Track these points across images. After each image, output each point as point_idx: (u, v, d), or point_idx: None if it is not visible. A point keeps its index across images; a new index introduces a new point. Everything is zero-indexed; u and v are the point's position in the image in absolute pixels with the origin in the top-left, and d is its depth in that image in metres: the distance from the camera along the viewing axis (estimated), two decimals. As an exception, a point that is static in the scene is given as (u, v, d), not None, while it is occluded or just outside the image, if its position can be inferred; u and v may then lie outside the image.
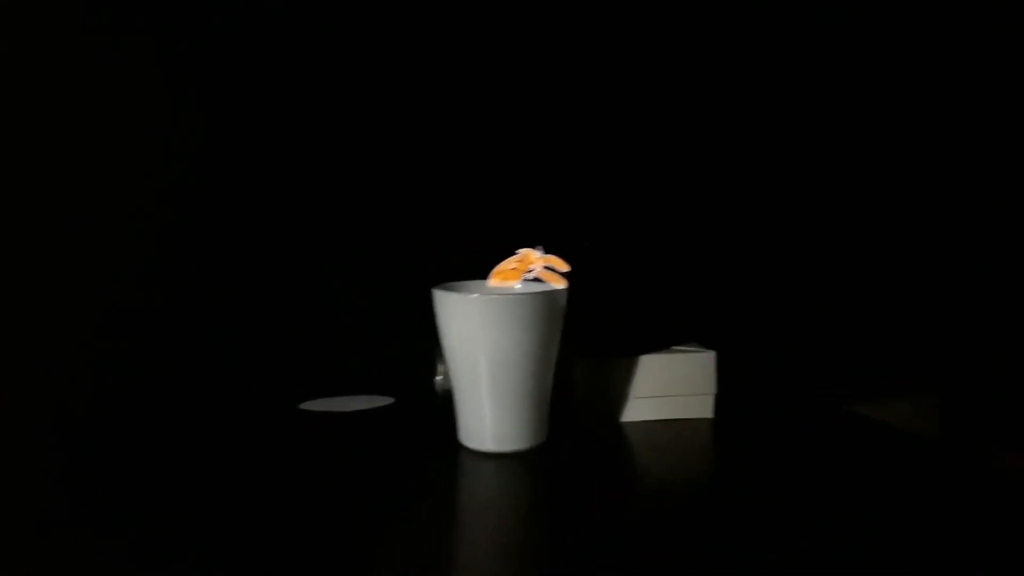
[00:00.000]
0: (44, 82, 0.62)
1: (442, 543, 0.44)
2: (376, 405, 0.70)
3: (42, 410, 0.63)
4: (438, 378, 0.69)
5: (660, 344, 0.67)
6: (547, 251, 0.59)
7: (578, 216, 0.77)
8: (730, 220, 0.82)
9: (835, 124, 0.82)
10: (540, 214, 0.77)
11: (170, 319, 0.69)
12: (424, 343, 0.64)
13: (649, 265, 0.79)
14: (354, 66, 0.72)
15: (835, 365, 0.82)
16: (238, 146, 0.70)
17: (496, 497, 0.52)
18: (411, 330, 0.61)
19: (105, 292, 0.66)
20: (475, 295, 0.55)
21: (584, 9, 0.75)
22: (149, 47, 0.66)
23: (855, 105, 0.82)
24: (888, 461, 0.58)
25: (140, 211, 0.67)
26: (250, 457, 0.57)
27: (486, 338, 0.54)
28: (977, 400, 0.86)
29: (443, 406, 0.60)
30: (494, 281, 0.60)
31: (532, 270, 0.59)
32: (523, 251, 0.60)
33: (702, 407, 0.66)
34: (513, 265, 0.60)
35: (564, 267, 0.59)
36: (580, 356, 0.66)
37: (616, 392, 0.65)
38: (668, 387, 0.65)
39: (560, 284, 0.58)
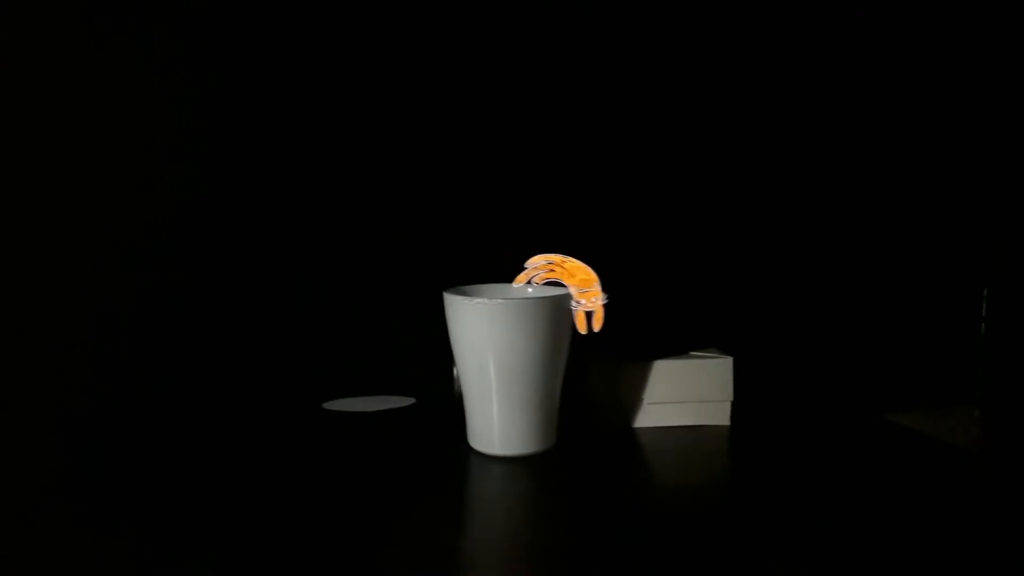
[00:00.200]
0: (35, 81, 0.63)
1: (441, 545, 0.45)
2: (396, 406, 0.72)
3: (66, 410, 0.65)
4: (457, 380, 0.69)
5: (677, 349, 0.67)
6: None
7: (600, 217, 0.77)
8: (755, 221, 0.80)
9: (862, 125, 0.80)
10: (564, 214, 0.77)
11: (193, 318, 0.71)
12: (447, 344, 0.64)
13: (669, 268, 0.78)
14: (378, 63, 0.73)
15: (867, 372, 0.80)
16: (252, 143, 0.71)
17: (501, 500, 0.52)
18: (436, 331, 0.62)
19: (132, 293, 0.68)
20: (484, 300, 0.55)
21: (615, 9, 0.75)
22: (145, 37, 0.67)
23: (883, 107, 0.80)
24: (914, 472, 0.56)
25: (152, 210, 0.69)
26: (267, 455, 0.59)
27: (495, 342, 0.55)
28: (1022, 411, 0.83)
29: (459, 408, 0.61)
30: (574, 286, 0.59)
31: (578, 304, 0.58)
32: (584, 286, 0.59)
33: (718, 414, 0.65)
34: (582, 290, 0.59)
35: (597, 323, 0.58)
36: (595, 359, 0.66)
37: (631, 397, 0.65)
38: (684, 393, 0.64)
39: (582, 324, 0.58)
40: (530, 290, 0.62)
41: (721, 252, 0.79)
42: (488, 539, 0.47)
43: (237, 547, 0.44)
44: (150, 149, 0.68)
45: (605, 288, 0.58)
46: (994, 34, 0.76)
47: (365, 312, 0.76)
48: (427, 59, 0.74)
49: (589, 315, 0.58)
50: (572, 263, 0.59)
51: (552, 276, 0.59)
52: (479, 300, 0.55)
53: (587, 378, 0.66)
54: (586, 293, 0.58)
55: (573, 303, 0.58)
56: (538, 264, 0.60)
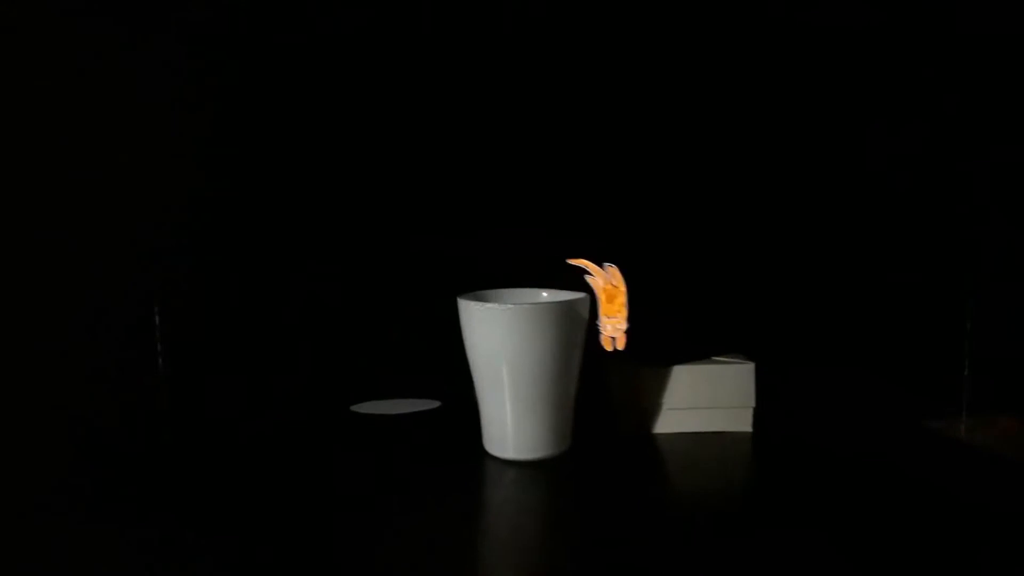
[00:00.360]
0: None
1: (450, 547, 0.45)
2: (421, 409, 0.73)
3: (95, 408, 0.67)
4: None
5: (700, 354, 0.66)
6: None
7: (625, 221, 0.77)
8: (783, 226, 0.79)
9: (889, 129, 0.78)
10: (588, 217, 0.77)
11: (223, 321, 0.73)
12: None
13: (693, 272, 0.77)
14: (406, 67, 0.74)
15: (911, 377, 0.77)
16: (277, 143, 0.73)
17: (515, 505, 0.53)
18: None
19: (160, 295, 0.70)
20: (495, 304, 0.56)
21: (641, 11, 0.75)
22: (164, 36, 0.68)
23: (906, 113, 0.77)
24: (944, 480, 0.54)
25: (177, 210, 0.70)
26: (288, 456, 0.61)
27: (506, 346, 0.55)
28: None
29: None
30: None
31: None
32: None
33: (740, 420, 0.64)
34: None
35: (620, 345, 0.61)
36: (615, 364, 0.66)
37: (651, 402, 0.64)
38: (705, 398, 0.64)
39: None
40: (545, 295, 0.62)
41: (747, 256, 0.78)
42: (498, 542, 0.48)
43: (254, 543, 0.46)
44: (168, 149, 0.69)
45: (632, 294, 0.60)
46: (988, 35, 0.73)
47: (398, 315, 0.77)
48: (457, 65, 0.75)
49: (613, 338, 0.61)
50: (622, 294, 0.60)
51: (595, 287, 0.60)
52: (490, 305, 0.56)
53: (607, 383, 0.66)
54: (612, 320, 0.61)
55: (598, 323, 0.60)
56: (597, 271, 0.61)
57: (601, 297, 0.61)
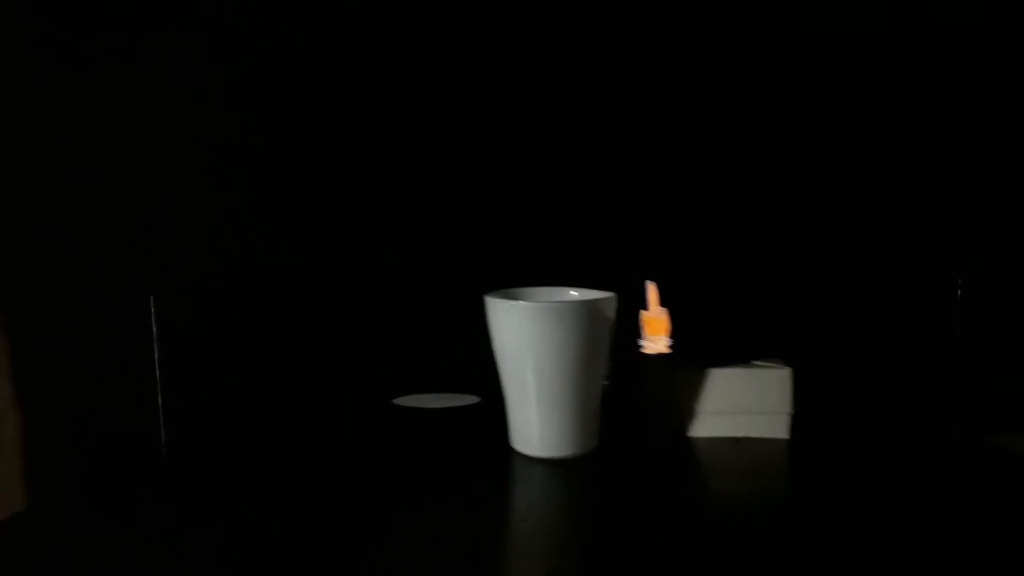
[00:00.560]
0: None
1: (465, 539, 0.46)
2: (460, 404, 0.74)
3: (133, 406, 0.66)
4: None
5: (738, 358, 0.64)
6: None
7: (662, 222, 0.76)
8: (827, 231, 0.76)
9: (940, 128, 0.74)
10: (630, 221, 0.76)
11: (275, 314, 0.76)
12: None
13: (732, 275, 0.75)
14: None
15: (971, 389, 0.73)
16: (328, 138, 0.75)
17: (536, 501, 0.53)
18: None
19: (205, 286, 0.72)
20: (520, 302, 0.56)
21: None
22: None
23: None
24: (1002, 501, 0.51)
25: (224, 204, 0.72)
26: (321, 447, 0.63)
27: (531, 345, 0.56)
28: None
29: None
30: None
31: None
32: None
33: (775, 427, 0.62)
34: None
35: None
36: (650, 366, 0.65)
37: (684, 405, 0.63)
38: (740, 403, 0.62)
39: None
40: (574, 294, 0.62)
41: (790, 260, 0.76)
42: (516, 538, 0.48)
43: (273, 530, 0.48)
44: (212, 147, 0.70)
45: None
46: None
47: (443, 309, 0.78)
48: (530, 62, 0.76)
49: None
50: (664, 324, 0.65)
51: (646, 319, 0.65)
52: (513, 302, 0.56)
53: (640, 385, 0.65)
54: (655, 340, 0.64)
55: (640, 342, 0.64)
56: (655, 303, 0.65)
57: (645, 325, 0.64)
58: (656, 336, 0.65)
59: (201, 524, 0.49)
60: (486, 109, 0.76)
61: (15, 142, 0.56)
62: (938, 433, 0.65)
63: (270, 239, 0.75)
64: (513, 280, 0.64)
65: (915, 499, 0.52)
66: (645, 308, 0.65)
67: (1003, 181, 0.72)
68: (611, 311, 0.58)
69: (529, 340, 0.56)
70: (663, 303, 0.65)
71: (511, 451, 0.60)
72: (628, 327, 0.66)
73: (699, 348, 0.65)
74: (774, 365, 0.63)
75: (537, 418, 0.57)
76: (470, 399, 0.75)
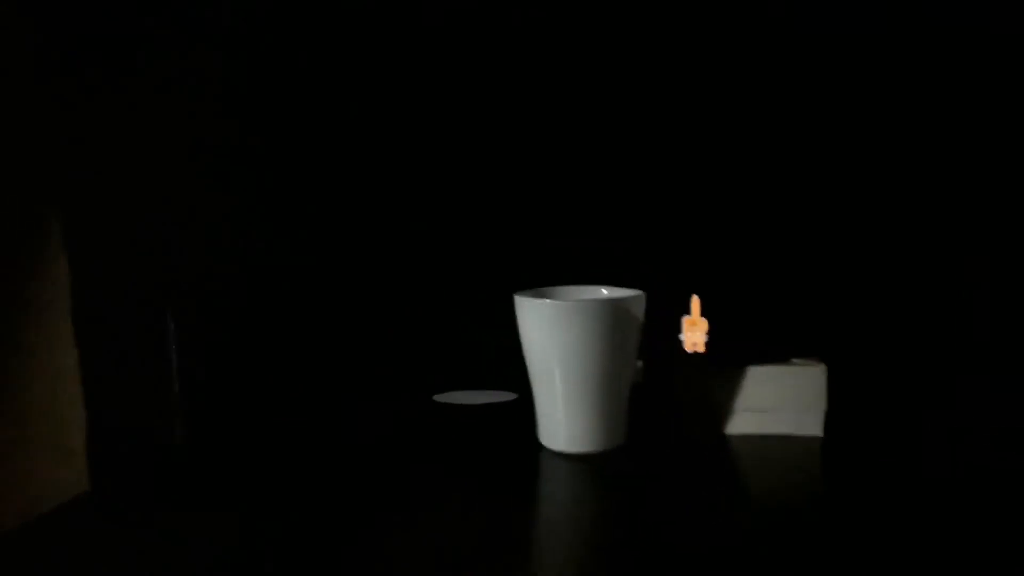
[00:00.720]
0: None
1: (489, 536, 0.47)
2: (499, 400, 0.75)
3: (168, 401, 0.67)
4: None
5: (775, 356, 0.64)
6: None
7: (700, 221, 0.76)
8: (863, 227, 0.74)
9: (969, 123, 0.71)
10: (664, 219, 0.76)
11: (317, 311, 0.79)
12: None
13: (770, 274, 0.74)
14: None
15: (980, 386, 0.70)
16: (359, 136, 0.77)
17: (561, 495, 0.54)
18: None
19: (244, 280, 0.75)
20: (546, 300, 0.57)
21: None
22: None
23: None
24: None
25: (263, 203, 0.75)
26: (360, 445, 0.66)
27: (557, 342, 0.57)
28: None
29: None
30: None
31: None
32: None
33: (810, 424, 0.61)
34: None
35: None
36: (684, 363, 0.65)
37: (719, 402, 0.63)
38: (774, 400, 0.62)
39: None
40: (604, 292, 0.62)
41: (825, 257, 0.74)
42: (538, 530, 0.49)
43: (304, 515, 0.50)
44: (216, 147, 0.71)
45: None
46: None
47: (482, 308, 0.79)
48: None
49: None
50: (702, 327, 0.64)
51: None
52: (541, 301, 0.57)
53: (674, 382, 0.65)
54: (693, 339, 0.64)
55: (680, 336, 0.64)
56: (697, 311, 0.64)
57: (686, 327, 0.64)
58: (695, 336, 0.65)
59: (219, 522, 0.50)
60: (510, 109, 0.77)
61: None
62: (960, 429, 0.62)
63: (313, 241, 0.78)
64: (554, 279, 0.65)
65: (943, 499, 0.50)
66: (687, 312, 0.65)
67: (1004, 180, 0.70)
68: (639, 310, 0.58)
69: (554, 338, 0.56)
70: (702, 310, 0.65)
71: (540, 447, 0.61)
72: (664, 326, 0.66)
73: (735, 347, 0.65)
74: (809, 363, 0.62)
75: (564, 415, 0.58)
76: (508, 396, 0.77)
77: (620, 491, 0.54)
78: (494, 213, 0.79)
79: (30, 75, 0.57)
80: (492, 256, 0.79)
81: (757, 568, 0.42)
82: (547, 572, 0.43)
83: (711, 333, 0.65)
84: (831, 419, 0.61)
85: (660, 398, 0.65)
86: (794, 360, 0.63)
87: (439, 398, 0.77)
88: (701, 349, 0.65)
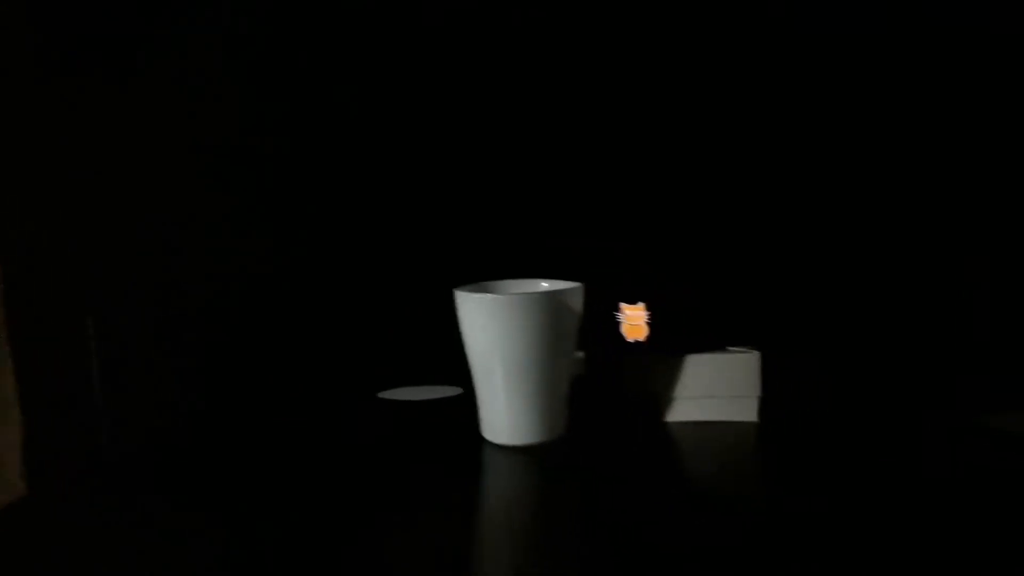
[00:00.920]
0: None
1: (437, 529, 0.48)
2: (444, 395, 0.76)
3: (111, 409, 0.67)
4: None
5: (713, 345, 0.65)
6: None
7: (632, 213, 0.77)
8: (791, 215, 0.76)
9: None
10: (604, 212, 0.77)
11: (257, 308, 0.78)
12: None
13: (704, 263, 0.76)
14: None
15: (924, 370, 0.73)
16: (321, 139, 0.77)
17: (504, 488, 0.55)
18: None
19: (193, 279, 0.72)
20: (485, 295, 0.58)
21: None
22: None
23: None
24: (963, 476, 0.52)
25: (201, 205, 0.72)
26: (307, 444, 0.65)
27: (497, 336, 0.57)
28: None
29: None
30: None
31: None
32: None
33: (745, 410, 0.63)
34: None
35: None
36: (622, 352, 0.66)
37: (658, 391, 0.64)
38: (710, 388, 0.63)
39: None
40: (545, 285, 0.63)
41: (756, 245, 0.76)
42: (485, 523, 0.50)
43: (251, 527, 0.50)
44: (183, 148, 0.71)
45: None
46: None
47: (426, 304, 0.79)
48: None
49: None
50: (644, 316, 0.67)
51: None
52: (480, 295, 0.58)
53: (614, 371, 0.66)
54: (633, 328, 0.66)
55: (619, 315, 0.66)
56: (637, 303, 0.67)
57: (625, 316, 0.66)
58: (635, 325, 0.66)
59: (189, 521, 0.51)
60: (475, 107, 0.78)
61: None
62: (906, 415, 0.65)
63: (258, 239, 0.76)
64: (494, 274, 0.65)
65: (877, 483, 0.52)
66: (625, 300, 0.66)
67: (1004, 178, 0.72)
68: (577, 302, 0.59)
69: (494, 331, 0.57)
70: (645, 298, 0.66)
71: (483, 441, 0.61)
72: (604, 317, 0.67)
73: (676, 336, 0.66)
74: (743, 350, 0.63)
75: (505, 408, 0.59)
76: (453, 391, 0.77)
77: (563, 482, 0.55)
78: (435, 208, 0.79)
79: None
80: (432, 251, 0.79)
81: (700, 553, 0.43)
82: (493, 566, 0.44)
83: (651, 323, 0.66)
84: (768, 406, 0.63)
85: (601, 388, 0.66)
86: (729, 348, 0.64)
87: (384, 395, 0.77)
88: (642, 339, 0.66)
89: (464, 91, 0.78)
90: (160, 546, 0.46)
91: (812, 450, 0.58)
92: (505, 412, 0.59)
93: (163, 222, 0.69)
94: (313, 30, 0.75)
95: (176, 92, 0.69)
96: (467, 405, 0.69)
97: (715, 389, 0.63)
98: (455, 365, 0.71)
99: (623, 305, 0.67)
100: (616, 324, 0.68)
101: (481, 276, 0.64)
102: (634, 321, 0.66)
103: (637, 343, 0.67)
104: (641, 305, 0.65)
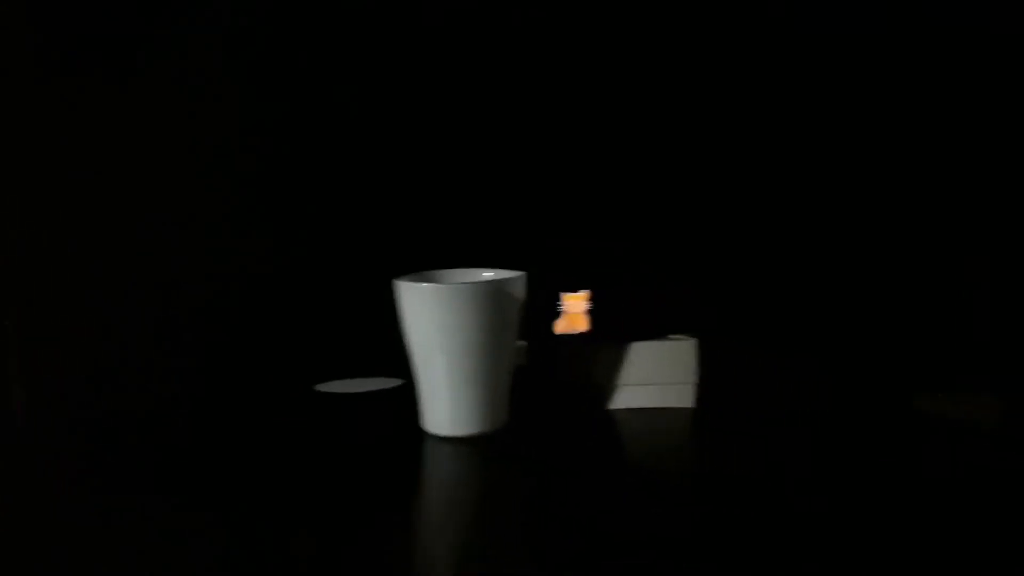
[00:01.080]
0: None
1: (384, 522, 0.47)
2: (383, 387, 0.75)
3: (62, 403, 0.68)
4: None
5: (652, 333, 0.66)
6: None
7: (576, 205, 0.77)
8: (728, 206, 0.78)
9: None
10: (547, 202, 0.77)
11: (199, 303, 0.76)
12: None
13: (646, 251, 0.77)
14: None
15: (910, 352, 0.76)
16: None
17: (448, 480, 0.54)
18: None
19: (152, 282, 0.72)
20: (425, 284, 0.57)
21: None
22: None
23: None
24: (899, 458, 0.54)
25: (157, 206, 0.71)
26: (244, 436, 0.63)
27: (439, 326, 0.56)
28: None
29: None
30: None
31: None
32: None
33: (682, 396, 0.64)
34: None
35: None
36: (564, 342, 0.66)
37: (597, 379, 0.65)
38: (648, 375, 0.64)
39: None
40: (488, 274, 0.63)
41: (698, 235, 0.78)
42: (429, 515, 0.49)
43: (207, 521, 0.48)
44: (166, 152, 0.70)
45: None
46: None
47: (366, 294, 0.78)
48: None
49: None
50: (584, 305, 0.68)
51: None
52: (420, 285, 0.57)
53: (554, 360, 0.66)
54: (574, 319, 0.67)
55: (559, 304, 0.67)
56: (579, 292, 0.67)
57: (565, 305, 0.67)
58: (575, 315, 0.66)
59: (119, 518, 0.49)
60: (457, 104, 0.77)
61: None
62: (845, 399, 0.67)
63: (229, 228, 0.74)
64: (434, 263, 0.64)
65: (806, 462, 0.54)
66: (566, 290, 0.67)
67: (1004, 178, 0.75)
68: (519, 291, 0.59)
69: (435, 321, 0.56)
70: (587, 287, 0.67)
71: (424, 433, 0.61)
72: (546, 306, 0.67)
73: (617, 325, 0.67)
74: (681, 337, 0.64)
75: (447, 398, 0.58)
76: (393, 382, 0.76)
77: (506, 472, 0.55)
78: (373, 197, 0.78)
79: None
80: (371, 240, 0.78)
81: (644, 537, 0.43)
82: (436, 559, 0.43)
83: (592, 312, 0.67)
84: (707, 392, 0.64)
85: (543, 378, 0.66)
86: (669, 336, 0.65)
87: (321, 387, 0.75)
88: (583, 328, 0.67)
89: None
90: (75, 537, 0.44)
91: (749, 435, 0.60)
92: (447, 403, 0.58)
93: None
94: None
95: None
96: (407, 397, 0.69)
97: (654, 376, 0.64)
98: (394, 356, 0.71)
99: (564, 295, 0.67)
100: (558, 313, 0.68)
101: (422, 266, 0.63)
102: (575, 310, 0.67)
103: (578, 332, 0.67)
104: (583, 294, 0.66)
